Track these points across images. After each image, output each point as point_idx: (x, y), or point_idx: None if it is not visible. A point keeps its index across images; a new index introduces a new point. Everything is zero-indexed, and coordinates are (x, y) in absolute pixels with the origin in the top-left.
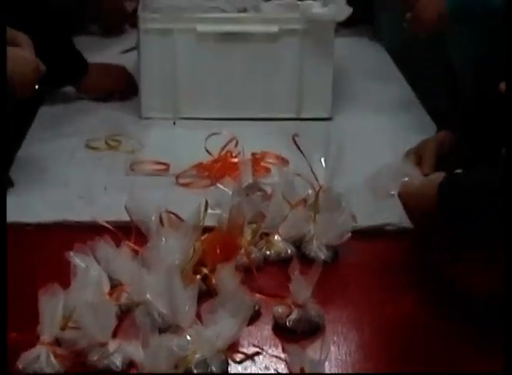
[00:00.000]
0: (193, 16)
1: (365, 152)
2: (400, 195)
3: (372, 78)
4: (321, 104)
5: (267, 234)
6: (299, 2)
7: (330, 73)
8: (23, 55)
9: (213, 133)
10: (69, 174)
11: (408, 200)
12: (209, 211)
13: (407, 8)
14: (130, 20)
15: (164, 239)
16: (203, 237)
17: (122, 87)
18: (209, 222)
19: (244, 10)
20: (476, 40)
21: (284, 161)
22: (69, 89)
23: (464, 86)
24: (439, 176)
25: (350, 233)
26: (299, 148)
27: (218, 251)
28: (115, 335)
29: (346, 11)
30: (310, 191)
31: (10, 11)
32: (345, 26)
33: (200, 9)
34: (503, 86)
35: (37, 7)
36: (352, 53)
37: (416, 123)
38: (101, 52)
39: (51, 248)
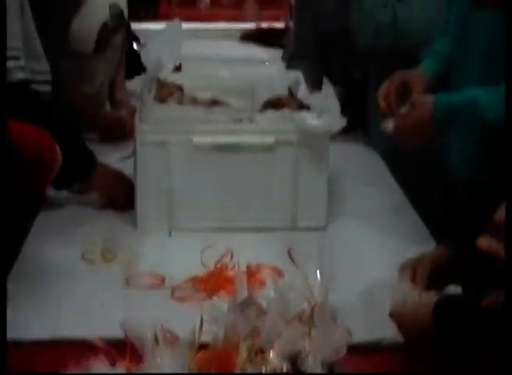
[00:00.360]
0: (190, 127)
1: (360, 263)
2: (393, 315)
3: (366, 184)
4: (316, 214)
5: (262, 351)
6: (294, 114)
7: (325, 184)
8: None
9: (208, 246)
10: (65, 288)
11: (402, 320)
12: (204, 328)
13: (383, 116)
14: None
15: (159, 359)
16: (198, 355)
17: (127, 198)
18: (204, 338)
19: (240, 121)
20: (467, 145)
21: (279, 273)
22: (66, 196)
23: (460, 193)
24: (432, 298)
25: (345, 349)
26: (294, 263)
27: (213, 371)
28: None
29: (340, 122)
30: (305, 305)
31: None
32: (340, 132)
33: (196, 121)
34: (483, 242)
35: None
36: (347, 159)
37: (410, 229)
38: (100, 159)
39: (44, 365)
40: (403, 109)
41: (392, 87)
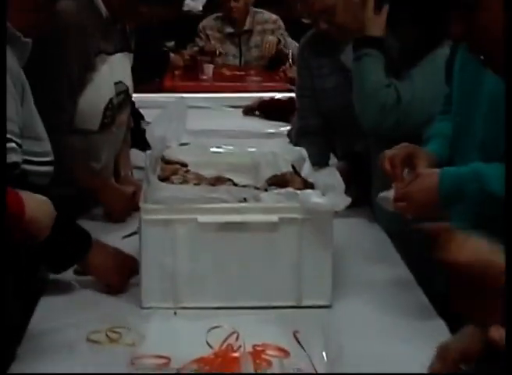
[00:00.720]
0: (194, 206)
1: (365, 344)
2: None
3: (371, 260)
4: (321, 292)
5: None
6: (298, 192)
7: (330, 262)
8: (38, 197)
9: (214, 327)
10: (69, 369)
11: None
12: None
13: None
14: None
15: None
16: None
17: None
18: None
19: (244, 200)
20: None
21: (285, 353)
22: (70, 277)
23: None
24: None
25: None
26: (300, 344)
27: None
28: None
29: (344, 201)
30: None
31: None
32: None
33: (201, 200)
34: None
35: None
36: (351, 235)
37: (414, 305)
38: (104, 237)
39: None
40: (408, 176)
41: (398, 154)
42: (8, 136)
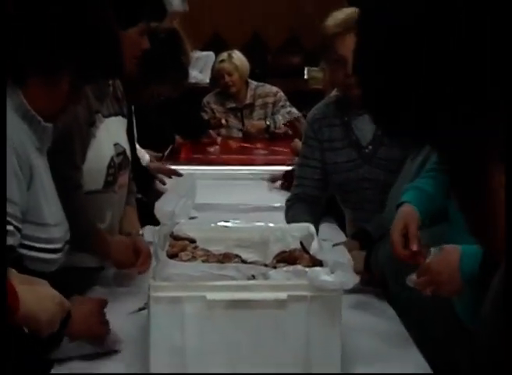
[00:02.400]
0: (203, 284)
1: None
2: None
3: (379, 338)
4: (330, 369)
5: None
6: (307, 269)
7: (338, 340)
8: (45, 290)
9: None
10: None
11: None
12: None
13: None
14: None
15: None
16: None
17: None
18: None
19: (253, 277)
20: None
21: None
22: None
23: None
24: None
25: None
26: None
27: None
28: None
29: (353, 279)
30: None
31: None
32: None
33: (209, 277)
34: None
35: None
36: (359, 311)
37: None
38: (112, 306)
39: None
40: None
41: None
42: (8, 218)
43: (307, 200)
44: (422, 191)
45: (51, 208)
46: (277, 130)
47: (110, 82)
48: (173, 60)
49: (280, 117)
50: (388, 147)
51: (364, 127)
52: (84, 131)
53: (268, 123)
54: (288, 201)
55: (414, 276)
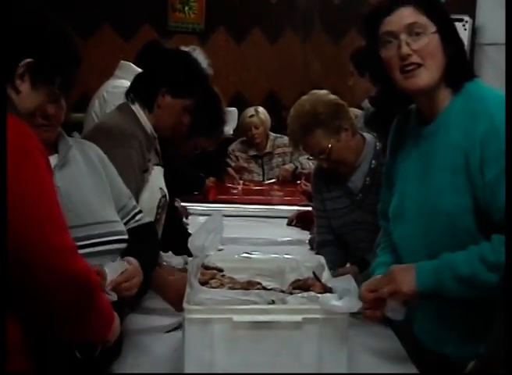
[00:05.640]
0: (230, 307)
1: None
2: None
3: (382, 359)
4: None
5: None
6: (319, 295)
7: (345, 356)
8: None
9: None
10: None
11: None
12: None
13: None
14: None
15: None
16: None
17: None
18: None
19: (273, 302)
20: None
21: None
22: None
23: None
24: None
25: None
26: None
27: None
28: None
29: (358, 304)
30: None
31: None
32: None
33: (235, 302)
34: None
35: None
36: (363, 334)
37: None
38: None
39: None
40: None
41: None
42: None
43: (329, 244)
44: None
45: None
46: (303, 171)
47: (155, 136)
48: (216, 119)
49: (304, 161)
50: (374, 194)
51: (355, 179)
52: (139, 176)
53: (296, 165)
54: (311, 241)
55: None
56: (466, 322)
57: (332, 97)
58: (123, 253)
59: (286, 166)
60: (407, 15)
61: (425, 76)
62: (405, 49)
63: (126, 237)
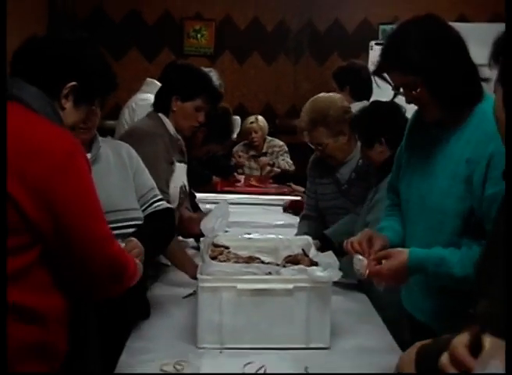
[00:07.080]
0: (235, 277)
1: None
2: None
3: (357, 319)
4: (323, 338)
5: None
6: (307, 268)
7: (328, 318)
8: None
9: (248, 363)
10: None
11: None
12: None
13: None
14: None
15: None
16: None
17: None
18: None
19: (269, 273)
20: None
21: None
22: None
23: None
24: None
25: None
26: None
27: None
28: None
29: (338, 274)
30: None
31: None
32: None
33: (239, 273)
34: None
35: None
36: (341, 299)
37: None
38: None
39: None
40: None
41: (360, 238)
42: None
43: (311, 218)
44: (395, 230)
45: None
46: (275, 169)
47: (179, 138)
48: (226, 128)
49: (280, 162)
50: (357, 187)
51: (343, 171)
52: (166, 168)
53: (274, 162)
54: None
55: (358, 261)
56: (449, 295)
57: (346, 104)
58: (131, 234)
59: (265, 159)
60: (395, 79)
61: (429, 115)
62: (406, 100)
63: (140, 222)
